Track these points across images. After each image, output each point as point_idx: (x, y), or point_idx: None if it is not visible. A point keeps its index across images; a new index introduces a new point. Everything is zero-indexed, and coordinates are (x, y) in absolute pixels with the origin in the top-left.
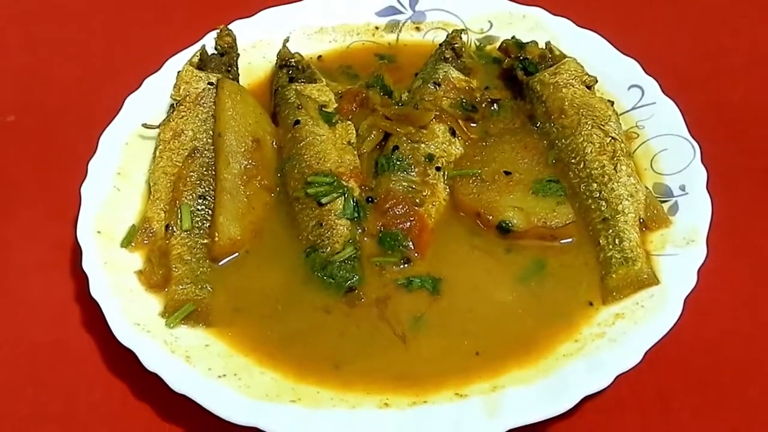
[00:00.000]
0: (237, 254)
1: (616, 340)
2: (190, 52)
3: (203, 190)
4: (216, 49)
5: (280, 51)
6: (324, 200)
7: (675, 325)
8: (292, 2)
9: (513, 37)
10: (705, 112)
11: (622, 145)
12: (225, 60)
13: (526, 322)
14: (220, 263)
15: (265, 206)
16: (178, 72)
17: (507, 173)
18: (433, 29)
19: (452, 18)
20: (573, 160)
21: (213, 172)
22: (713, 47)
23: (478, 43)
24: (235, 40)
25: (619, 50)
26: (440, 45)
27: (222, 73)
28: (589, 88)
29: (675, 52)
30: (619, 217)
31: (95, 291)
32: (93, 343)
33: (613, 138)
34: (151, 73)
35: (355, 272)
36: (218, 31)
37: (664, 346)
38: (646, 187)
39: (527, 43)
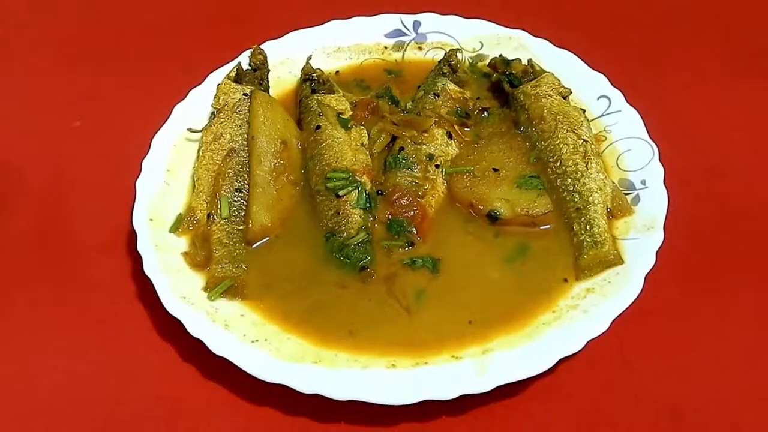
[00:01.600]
0: (267, 238)
1: (587, 311)
2: (228, 68)
3: (239, 184)
4: (250, 65)
5: (304, 67)
6: (341, 193)
7: (637, 298)
8: (314, 26)
9: (500, 56)
10: (662, 118)
11: (593, 146)
12: (257, 75)
13: (512, 295)
14: (254, 246)
15: (291, 198)
16: (218, 85)
17: (495, 170)
18: (433, 48)
19: (449, 39)
20: (551, 159)
21: (247, 169)
22: (668, 63)
23: (471, 61)
24: (266, 57)
25: (589, 66)
26: (439, 62)
27: (255, 86)
28: (564, 98)
29: (637, 68)
30: (589, 207)
31: (148, 269)
32: (146, 314)
33: (584, 140)
34: (196, 86)
35: (367, 254)
36: (252, 50)
37: (627, 315)
38: (613, 182)
39: (512, 60)
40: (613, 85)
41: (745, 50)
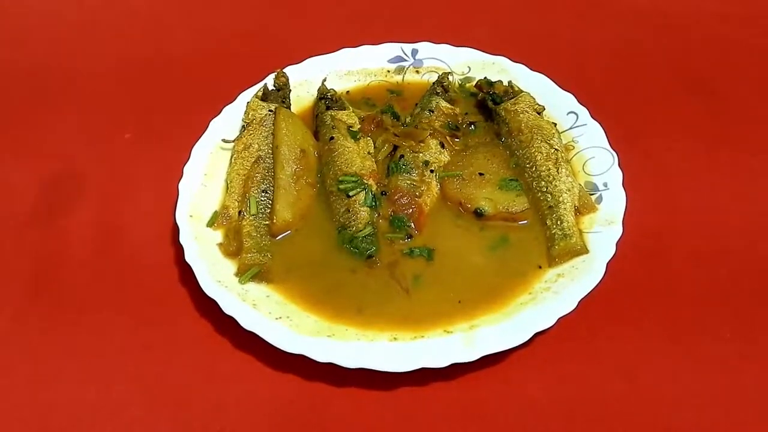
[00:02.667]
0: (289, 232)
1: (558, 293)
2: (256, 89)
3: (265, 186)
4: (274, 86)
5: (319, 87)
6: (351, 193)
7: (600, 282)
8: (328, 53)
9: (485, 78)
10: (621, 131)
11: (563, 154)
12: (281, 94)
13: (494, 279)
14: (277, 238)
15: (310, 197)
16: (248, 102)
17: (481, 174)
18: (428, 72)
19: (442, 64)
20: (528, 165)
21: (272, 174)
22: (626, 83)
23: (460, 82)
24: (288, 79)
25: (559, 87)
26: (433, 83)
27: (278, 103)
28: (539, 113)
29: (600, 87)
30: (560, 205)
31: (189, 257)
32: (187, 296)
33: (556, 149)
34: (229, 103)
35: (373, 244)
36: (276, 73)
37: (592, 296)
38: (580, 184)
39: (495, 81)
40: (580, 103)
41: (689, 75)
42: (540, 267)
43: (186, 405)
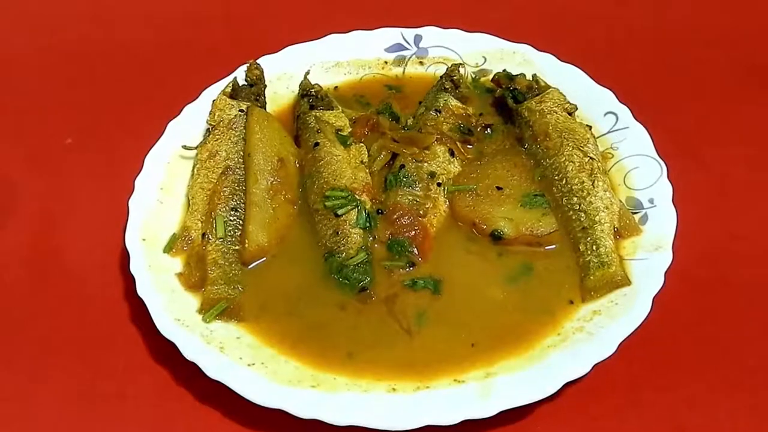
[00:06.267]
0: (264, 258)
1: (593, 334)
2: (223, 84)
3: (235, 203)
4: (246, 80)
5: (301, 82)
6: (340, 212)
7: (645, 320)
8: (312, 40)
9: (504, 71)
10: (671, 135)
11: (599, 164)
12: (254, 90)
13: (515, 317)
14: (250, 266)
15: (289, 217)
16: (213, 100)
17: (499, 188)
18: (434, 63)
19: (451, 54)
20: (556, 177)
21: (243, 188)
22: (676, 80)
23: (473, 76)
24: (262, 72)
25: (596, 81)
26: (441, 77)
27: (251, 102)
28: (570, 114)
29: (645, 83)
30: (596, 227)
31: (141, 290)
32: (139, 336)
33: (591, 158)
34: (190, 102)
35: (367, 274)
36: (248, 65)
37: (635, 338)
38: (620, 200)
39: (516, 75)
40: (620, 101)
41: (754, 66)
42: (571, 302)
43: None
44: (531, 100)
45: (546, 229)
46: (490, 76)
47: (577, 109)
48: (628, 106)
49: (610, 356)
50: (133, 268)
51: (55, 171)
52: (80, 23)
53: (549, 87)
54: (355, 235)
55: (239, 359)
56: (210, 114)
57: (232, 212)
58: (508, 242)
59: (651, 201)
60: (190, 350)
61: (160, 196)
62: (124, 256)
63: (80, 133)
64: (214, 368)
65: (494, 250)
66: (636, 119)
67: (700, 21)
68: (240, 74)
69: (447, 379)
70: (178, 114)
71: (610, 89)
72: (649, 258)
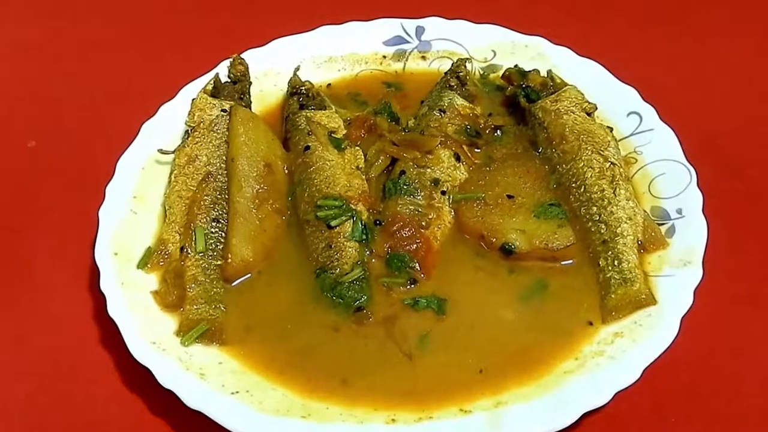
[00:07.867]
0: (249, 275)
1: (615, 358)
2: (204, 80)
3: (217, 213)
4: (229, 77)
5: (291, 79)
6: (333, 223)
7: (672, 343)
8: (302, 32)
9: (515, 66)
10: (700, 138)
11: (621, 169)
12: (238, 88)
13: (528, 340)
14: (233, 284)
15: (277, 229)
16: (193, 99)
17: (510, 197)
18: (438, 58)
19: (457, 47)
20: (573, 185)
21: (226, 196)
22: (707, 76)
23: (481, 72)
24: (247, 68)
25: (617, 78)
26: (445, 73)
27: (235, 101)
28: (589, 114)
29: (671, 81)
30: (618, 240)
31: (112, 310)
32: (110, 360)
33: (612, 163)
34: (167, 101)
35: (363, 292)
36: (231, 59)
37: (661, 363)
38: (644, 211)
39: (529, 71)
40: (645, 100)
41: None
42: (591, 323)
43: None
44: (545, 98)
45: (562, 242)
46: (500, 73)
47: (596, 108)
48: (653, 106)
49: (633, 383)
50: (104, 286)
51: (17, 177)
52: (46, 11)
53: (565, 84)
54: (350, 249)
55: (221, 387)
56: (189, 114)
57: (214, 223)
58: (520, 257)
59: (679, 211)
60: (167, 377)
61: (133, 206)
62: (94, 272)
63: (44, 135)
64: (193, 397)
65: (505, 265)
66: (662, 120)
67: (731, 9)
68: (222, 70)
69: (452, 408)
70: (154, 114)
71: (633, 86)
72: (677, 274)
